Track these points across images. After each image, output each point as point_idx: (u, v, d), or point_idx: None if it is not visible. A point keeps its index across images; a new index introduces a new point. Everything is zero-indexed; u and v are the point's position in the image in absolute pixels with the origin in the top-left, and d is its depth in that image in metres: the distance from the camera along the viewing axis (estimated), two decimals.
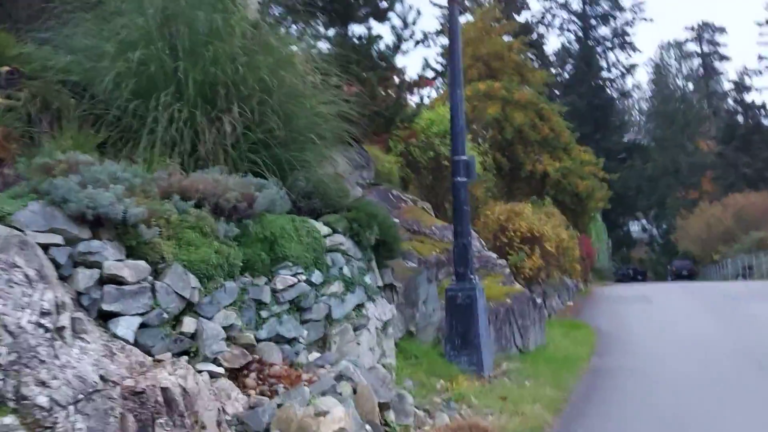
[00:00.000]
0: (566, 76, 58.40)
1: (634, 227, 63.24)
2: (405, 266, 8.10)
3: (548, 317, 12.85)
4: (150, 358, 3.98)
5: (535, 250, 11.80)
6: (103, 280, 3.95)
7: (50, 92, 5.71)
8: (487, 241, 12.20)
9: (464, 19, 24.27)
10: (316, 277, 5.72)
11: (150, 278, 4.21)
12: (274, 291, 5.24)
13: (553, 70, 55.75)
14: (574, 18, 60.33)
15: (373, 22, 10.17)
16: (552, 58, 57.49)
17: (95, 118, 5.82)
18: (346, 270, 6.22)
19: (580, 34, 60.21)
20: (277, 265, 5.34)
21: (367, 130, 10.07)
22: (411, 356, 7.06)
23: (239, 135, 6.12)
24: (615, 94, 60.14)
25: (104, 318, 3.96)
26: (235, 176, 5.46)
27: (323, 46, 9.37)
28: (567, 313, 14.51)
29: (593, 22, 60.51)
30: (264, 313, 5.09)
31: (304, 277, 5.55)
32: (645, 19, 58.91)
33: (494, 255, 10.20)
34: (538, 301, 9.62)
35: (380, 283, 7.05)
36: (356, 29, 9.85)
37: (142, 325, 4.05)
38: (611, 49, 60.54)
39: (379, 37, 10.21)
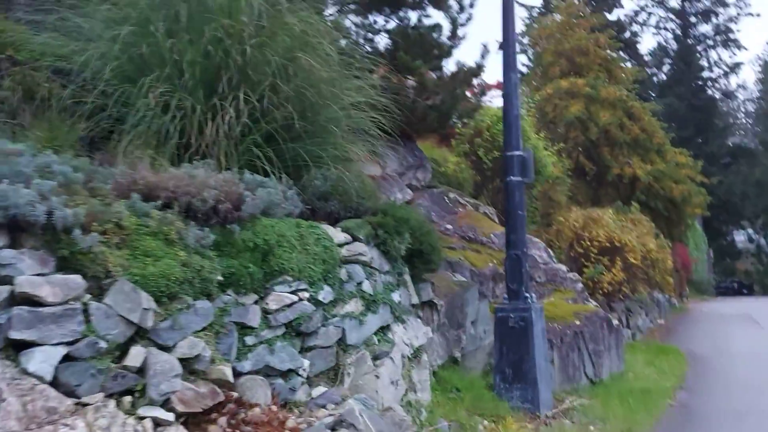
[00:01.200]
0: (663, 77, 54.81)
1: (740, 237, 58.42)
2: (451, 280, 6.96)
3: (632, 338, 11.27)
4: (70, 402, 3.09)
5: (616, 262, 10.30)
6: (16, 300, 3.10)
7: (32, 80, 5.04)
8: (561, 251, 10.80)
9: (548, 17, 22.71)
10: (325, 294, 4.72)
11: (86, 297, 3.33)
12: (266, 312, 4.28)
13: (648, 71, 52.83)
14: (671, 15, 56.48)
15: (429, 10, 9.06)
16: (647, 59, 54.11)
17: (85, 108, 5.08)
18: (366, 285, 5.18)
19: (679, 32, 56.29)
20: (272, 280, 4.38)
21: (417, 126, 8.99)
22: (451, 389, 5.91)
23: (247, 126, 5.22)
24: (718, 95, 55.77)
25: (18, 348, 3.10)
26: (229, 173, 4.55)
27: (367, 34, 8.37)
28: (656, 333, 12.79)
29: (693, 19, 56.44)
30: (250, 340, 4.13)
31: (307, 295, 4.56)
32: (751, 14, 54.14)
33: (564, 268, 8.85)
34: (615, 322, 8.20)
35: (415, 301, 5.96)
36: (408, 15, 8.74)
37: (68, 358, 3.17)
38: (713, 47, 56.16)
39: (438, 26, 9.08)
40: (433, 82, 8.61)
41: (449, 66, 9.38)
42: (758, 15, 53.96)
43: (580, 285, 8.77)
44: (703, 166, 38.62)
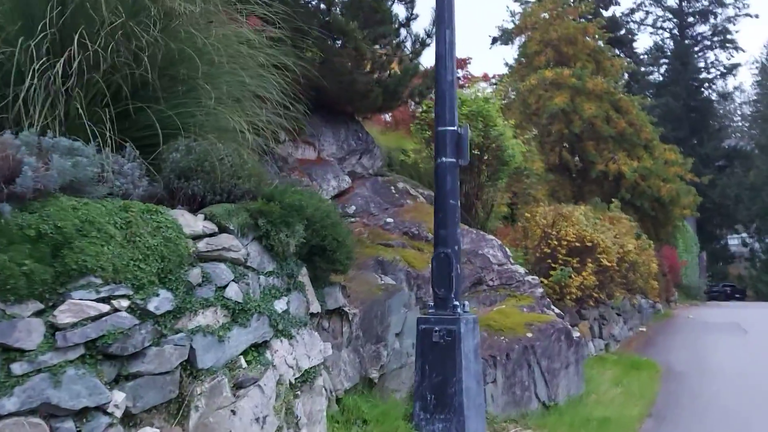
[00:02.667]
0: (659, 77, 53.68)
1: (734, 241, 57.31)
2: (375, 284, 5.73)
3: (605, 350, 10.05)
4: None
5: (587, 264, 9.09)
6: None
7: None
8: (529, 251, 9.58)
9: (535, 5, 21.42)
10: (161, 302, 3.49)
11: None
12: (55, 328, 3.05)
13: (644, 70, 51.60)
14: (669, 14, 55.22)
15: None
16: (643, 57, 52.96)
17: None
18: (233, 290, 3.94)
19: (676, 31, 55.03)
20: (69, 284, 3.15)
21: (359, 103, 7.76)
22: (357, 421, 4.68)
23: (88, 81, 3.99)
24: (714, 96, 54.54)
25: None
26: (8, 134, 3.31)
27: None
28: (633, 343, 11.58)
29: (690, 19, 55.17)
30: (19, 368, 2.89)
31: (126, 303, 3.33)
32: (749, 15, 52.82)
33: (521, 270, 7.62)
34: (576, 334, 6.98)
35: (315, 309, 4.73)
36: None
37: None
38: (710, 47, 54.92)
39: None
40: (373, 51, 7.36)
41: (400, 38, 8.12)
42: (756, 16, 52.95)
43: (541, 290, 7.55)
44: (696, 167, 37.53)
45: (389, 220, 7.31)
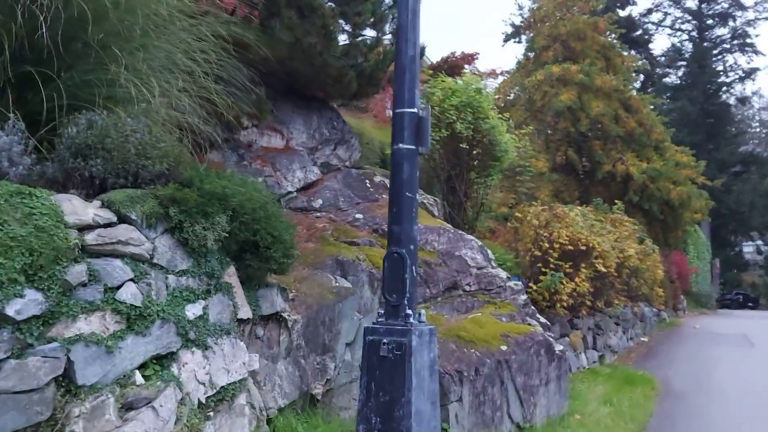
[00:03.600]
0: (676, 80, 52.57)
1: (748, 248, 56.06)
2: (328, 286, 5.08)
3: (598, 362, 9.32)
4: None
5: (580, 270, 8.37)
6: None
7: None
8: (519, 254, 8.88)
9: None
10: (25, 305, 2.88)
11: None
12: None
13: (660, 72, 50.49)
14: (688, 16, 53.97)
15: None
16: (660, 59, 51.90)
17: None
18: (129, 292, 3.32)
19: (695, 33, 53.79)
20: None
21: (332, 89, 7.10)
22: None
23: None
24: (732, 101, 53.25)
25: None
26: None
27: None
28: (632, 355, 10.83)
29: (710, 21, 53.91)
30: None
31: None
32: None
33: (502, 274, 6.93)
34: (559, 347, 6.27)
35: (245, 315, 4.09)
36: None
37: None
38: (729, 51, 53.62)
39: None
40: (351, 33, 6.71)
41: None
42: None
43: (524, 297, 6.86)
44: (712, 172, 36.38)
45: (359, 215, 6.66)
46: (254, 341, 4.27)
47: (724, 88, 52.32)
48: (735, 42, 52.54)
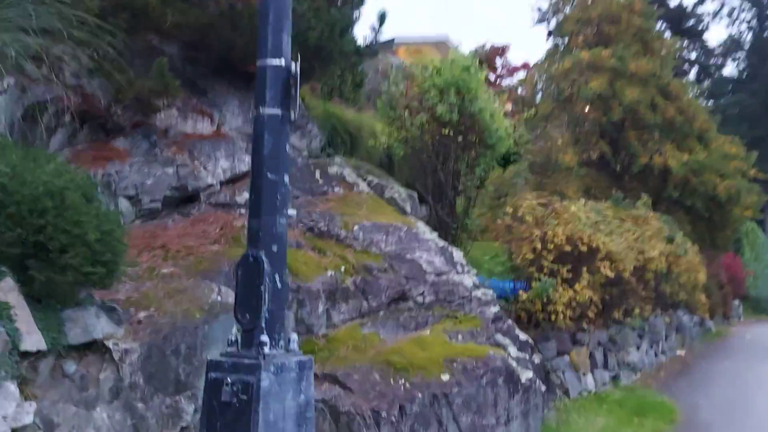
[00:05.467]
0: (735, 72, 49.23)
1: None
2: (204, 300, 3.92)
3: (610, 384, 7.81)
4: None
5: (582, 274, 6.94)
6: None
7: None
8: (514, 256, 7.52)
9: None
10: None
11: None
12: None
13: (716, 63, 47.36)
14: (746, 4, 50.41)
15: None
16: (717, 51, 48.74)
17: None
18: None
19: (754, 23, 50.24)
20: None
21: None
22: None
23: None
24: None
25: None
26: None
27: None
28: (660, 373, 9.21)
29: None
30: None
31: None
32: None
33: (468, 282, 5.59)
34: (528, 376, 4.87)
35: (35, 346, 2.97)
36: None
37: None
38: None
39: None
40: None
41: None
42: None
43: (495, 309, 5.52)
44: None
45: (291, 212, 5.46)
46: (60, 381, 3.14)
47: None
48: None
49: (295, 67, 3.36)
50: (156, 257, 4.54)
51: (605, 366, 7.73)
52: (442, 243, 5.84)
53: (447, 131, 7.66)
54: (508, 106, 19.29)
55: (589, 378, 7.24)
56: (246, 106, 6.15)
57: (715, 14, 49.15)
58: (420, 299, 5.31)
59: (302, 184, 5.99)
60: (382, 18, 6.64)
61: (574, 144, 16.14)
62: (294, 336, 3.23)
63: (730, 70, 50.27)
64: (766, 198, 17.24)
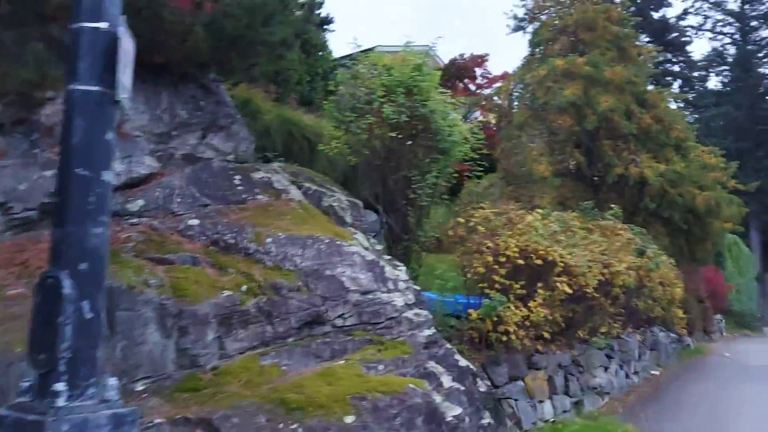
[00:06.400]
0: (719, 85, 49.12)
1: None
2: (24, 335, 3.17)
3: (572, 411, 7.07)
4: None
5: (537, 291, 6.24)
6: None
7: None
8: (467, 271, 6.80)
9: None
10: None
11: None
12: None
13: (698, 75, 47.18)
14: (730, 19, 50.33)
15: None
16: (701, 64, 48.60)
17: None
18: None
19: (737, 36, 50.15)
20: None
21: (192, 56, 5.25)
22: None
23: None
24: None
25: None
26: None
27: None
28: (629, 398, 8.48)
29: (754, 23, 50.19)
30: None
31: None
32: None
33: (399, 301, 4.87)
34: (454, 413, 4.13)
35: None
36: None
37: None
38: None
39: None
40: None
41: None
42: None
43: (428, 332, 4.80)
44: (764, 182, 32.91)
45: (194, 221, 4.75)
46: None
47: None
48: None
49: (125, 32, 2.66)
50: (11, 275, 3.81)
51: (566, 391, 7.01)
52: (371, 256, 5.12)
53: (396, 134, 6.97)
54: (480, 113, 18.70)
55: (547, 405, 6.51)
56: (153, 103, 5.43)
57: (699, 28, 49.11)
58: (339, 322, 4.58)
59: (215, 191, 5.26)
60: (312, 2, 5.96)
61: (549, 153, 15.55)
62: (112, 382, 2.49)
63: (714, 83, 50.18)
64: (747, 210, 16.66)
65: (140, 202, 4.78)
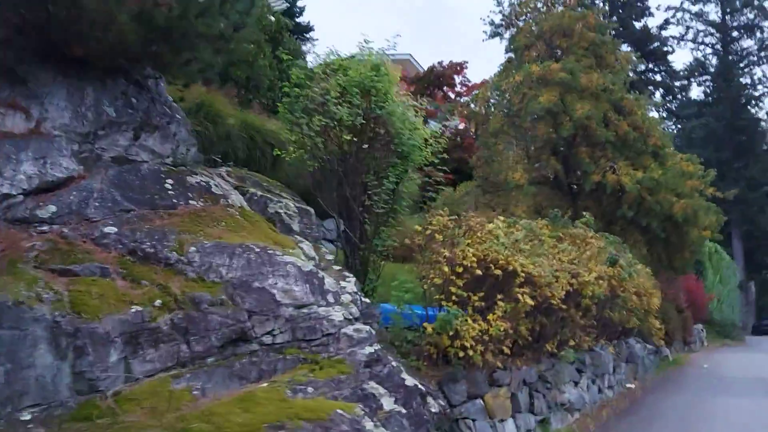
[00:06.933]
0: (701, 96, 49.35)
1: None
2: None
3: (540, 428, 6.65)
4: None
5: (496, 303, 5.83)
6: None
7: None
8: (426, 282, 6.37)
9: None
10: None
11: None
12: None
13: (680, 85, 47.35)
14: (711, 29, 50.59)
15: None
16: (683, 74, 48.81)
17: None
18: None
19: (719, 47, 50.38)
20: None
21: (93, 44, 4.80)
22: None
23: None
24: (762, 115, 49.35)
25: None
26: None
27: None
28: (602, 413, 8.06)
29: (735, 33, 50.49)
30: None
31: None
32: None
33: (338, 316, 4.42)
34: None
35: None
36: None
37: None
38: (757, 63, 49.90)
39: None
40: None
41: None
42: None
43: (370, 349, 4.37)
44: (742, 191, 32.75)
45: (110, 229, 4.29)
46: None
47: (753, 102, 48.59)
48: (762, 54, 48.97)
49: None
50: None
51: (531, 409, 6.59)
52: (309, 267, 4.69)
53: (351, 137, 6.56)
54: (461, 122, 18.34)
55: (509, 425, 6.08)
56: (76, 99, 4.98)
57: (680, 38, 49.31)
58: (268, 339, 4.14)
59: (141, 196, 4.81)
60: None
61: (526, 161, 15.24)
62: None
63: (696, 93, 50.31)
64: (726, 219, 16.40)
65: (52, 208, 4.32)
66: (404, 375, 4.63)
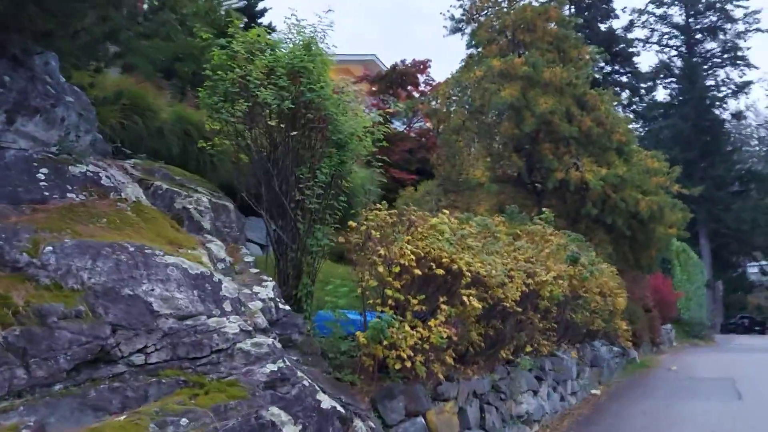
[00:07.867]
0: (667, 97, 49.57)
1: (753, 269, 52.32)
2: None
3: None
4: None
5: (439, 307, 5.09)
6: None
7: None
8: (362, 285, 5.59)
9: None
10: None
11: None
12: None
13: (646, 86, 47.46)
14: (675, 32, 50.87)
15: None
16: (648, 76, 48.96)
17: None
18: None
19: (683, 49, 50.67)
20: None
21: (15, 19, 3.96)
22: None
23: None
24: (726, 116, 49.71)
25: None
26: None
27: None
28: (563, 423, 7.39)
29: (699, 36, 50.83)
30: None
31: None
32: (760, 30, 48.02)
33: (233, 328, 3.65)
34: None
35: None
36: None
37: None
38: (720, 65, 50.28)
39: None
40: None
41: None
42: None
43: (271, 368, 3.56)
44: (708, 190, 32.67)
45: None
46: None
47: (717, 104, 48.92)
48: (726, 56, 49.39)
49: None
50: None
51: (482, 424, 5.86)
52: (200, 269, 3.89)
53: (272, 122, 5.77)
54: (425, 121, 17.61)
55: None
56: None
57: (646, 41, 49.49)
58: (139, 359, 3.32)
59: (2, 188, 3.97)
60: None
61: (488, 158, 14.59)
62: None
63: (662, 95, 50.52)
64: (692, 216, 15.95)
65: None
66: (320, 396, 3.84)
